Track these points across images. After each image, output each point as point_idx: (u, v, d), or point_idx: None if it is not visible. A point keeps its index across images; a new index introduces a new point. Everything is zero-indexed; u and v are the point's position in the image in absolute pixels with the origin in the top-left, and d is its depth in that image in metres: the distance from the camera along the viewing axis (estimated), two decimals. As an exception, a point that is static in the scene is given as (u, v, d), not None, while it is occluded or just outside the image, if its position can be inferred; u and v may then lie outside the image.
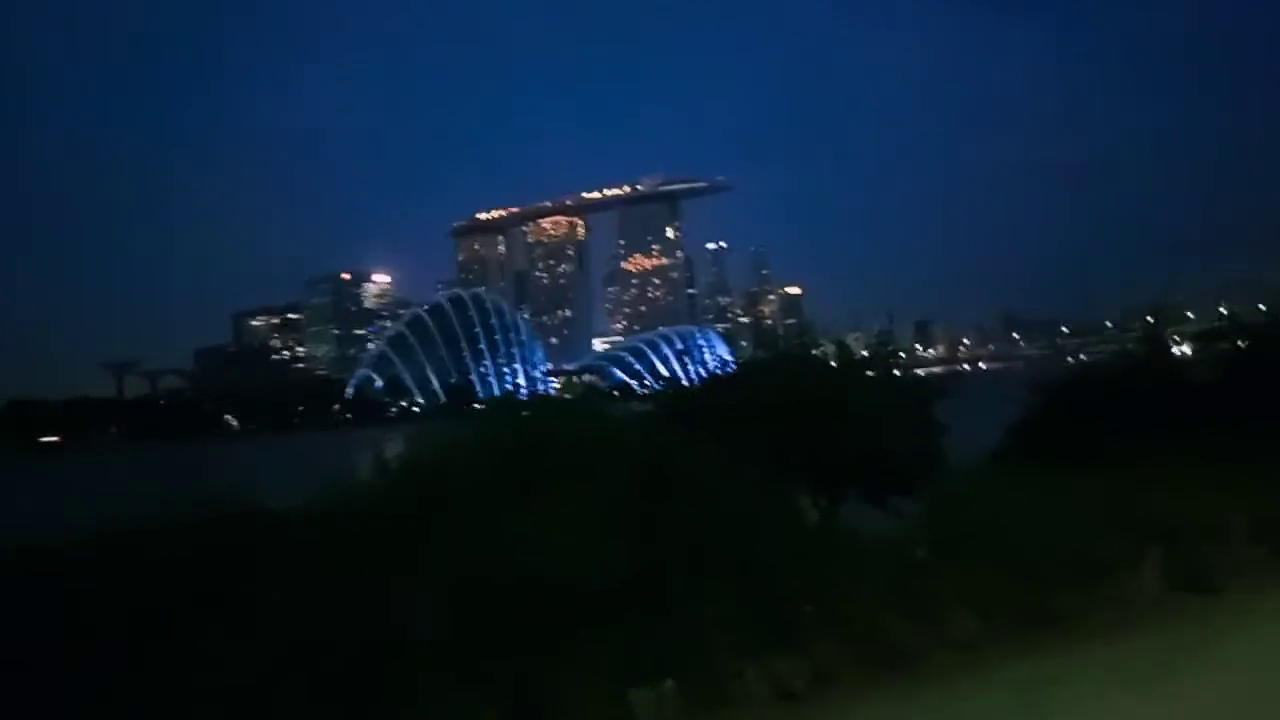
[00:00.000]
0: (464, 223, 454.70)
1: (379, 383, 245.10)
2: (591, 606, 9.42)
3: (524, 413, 12.60)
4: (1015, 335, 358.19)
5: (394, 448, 11.98)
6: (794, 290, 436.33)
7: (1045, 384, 21.71)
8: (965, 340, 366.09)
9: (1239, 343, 22.42)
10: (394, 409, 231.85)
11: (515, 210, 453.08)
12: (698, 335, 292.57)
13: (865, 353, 18.29)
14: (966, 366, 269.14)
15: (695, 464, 11.63)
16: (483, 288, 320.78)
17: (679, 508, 10.74)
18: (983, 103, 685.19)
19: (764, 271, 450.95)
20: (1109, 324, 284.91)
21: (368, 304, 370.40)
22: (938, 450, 15.88)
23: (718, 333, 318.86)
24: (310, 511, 9.60)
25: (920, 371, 20.89)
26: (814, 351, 17.97)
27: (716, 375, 17.91)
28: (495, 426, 11.25)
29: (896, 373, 18.21)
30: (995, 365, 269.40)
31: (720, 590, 10.12)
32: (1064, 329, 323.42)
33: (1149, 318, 21.68)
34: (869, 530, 13.99)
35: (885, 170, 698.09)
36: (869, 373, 17.27)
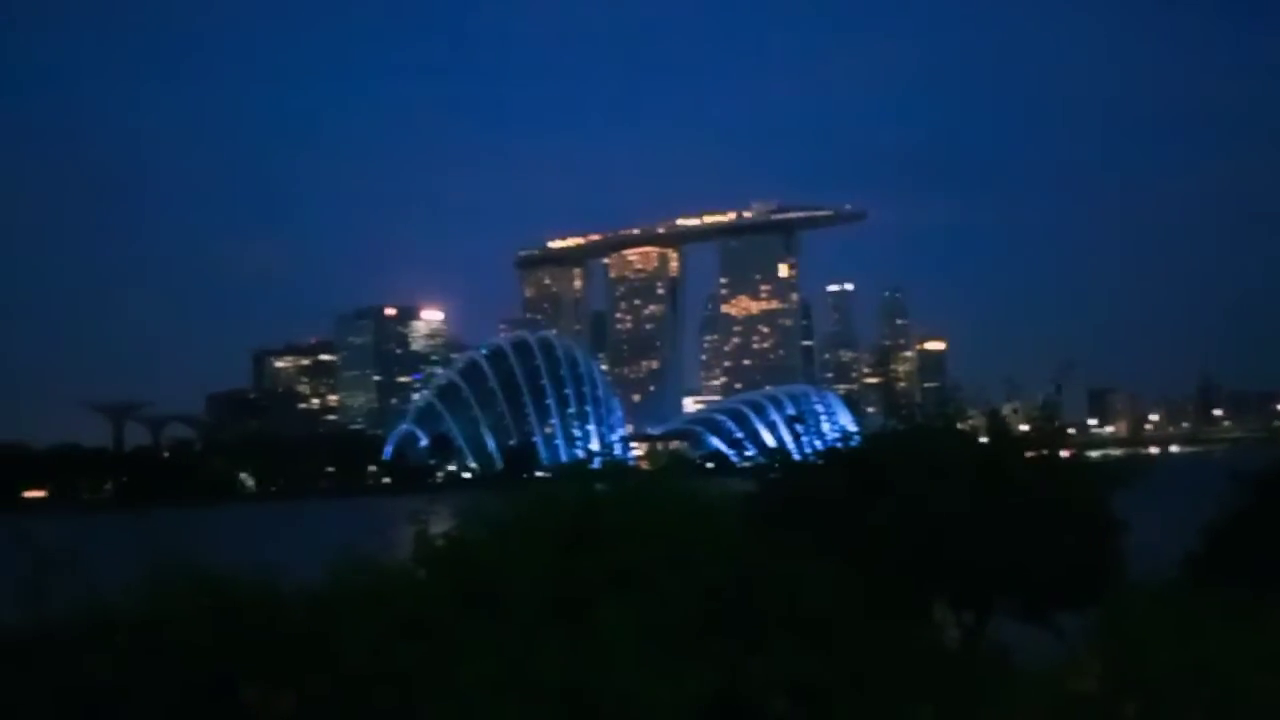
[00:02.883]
0: (533, 251, 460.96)
1: (424, 441, 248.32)
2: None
3: (597, 487, 12.53)
4: (1217, 412, 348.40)
5: (434, 526, 12.00)
6: (936, 345, 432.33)
7: (1256, 477, 20.98)
8: (1152, 416, 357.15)
9: None
10: (440, 473, 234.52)
11: (595, 238, 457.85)
12: (814, 397, 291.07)
13: (1025, 428, 17.89)
14: (1154, 449, 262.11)
15: (807, 576, 11.44)
16: (553, 331, 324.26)
17: (781, 632, 10.56)
18: (1188, 124, 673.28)
19: (899, 322, 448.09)
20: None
21: (415, 345, 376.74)
22: (1115, 556, 15.39)
23: (838, 396, 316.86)
24: (296, 616, 9.64)
25: (1093, 454, 20.38)
26: (961, 425, 17.64)
27: (836, 450, 17.65)
28: (558, 509, 11.19)
29: (1064, 455, 17.79)
30: (1190, 449, 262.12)
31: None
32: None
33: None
34: (1024, 655, 13.55)
35: (1057, 204, 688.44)
36: (1029, 454, 16.87)
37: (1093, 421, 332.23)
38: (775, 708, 10.54)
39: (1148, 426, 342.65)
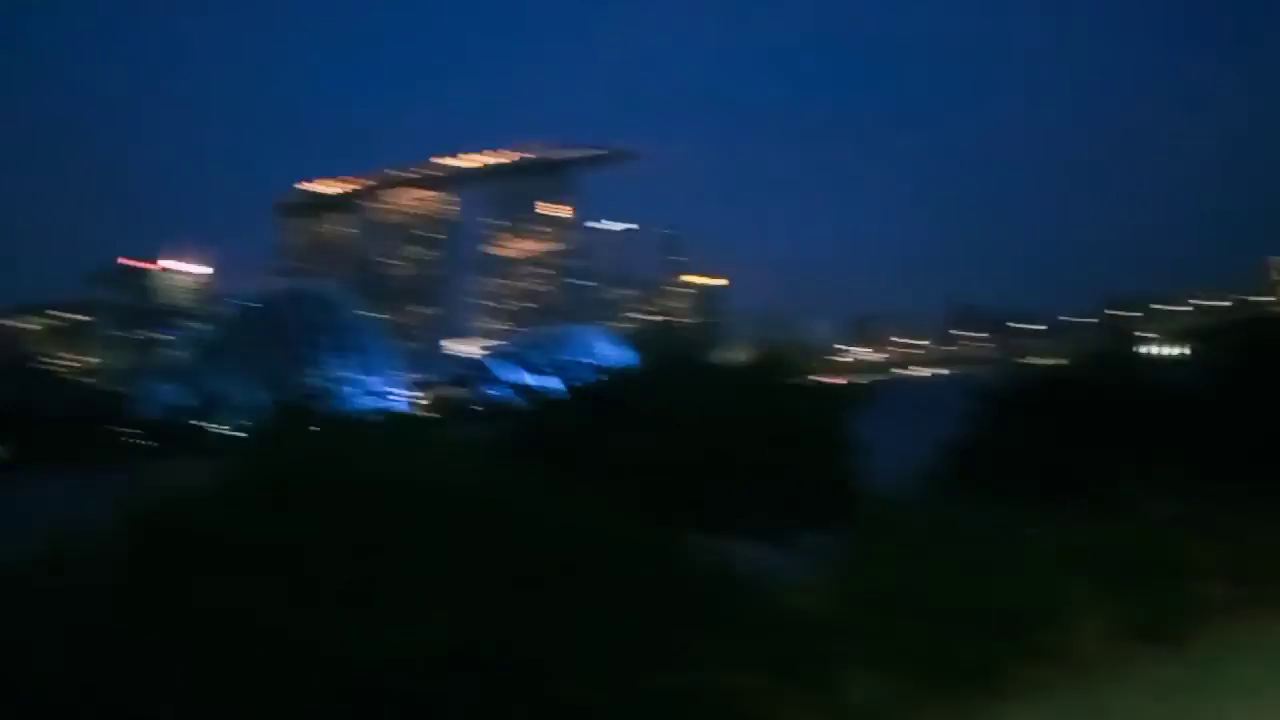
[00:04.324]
0: (299, 197, 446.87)
1: (186, 400, 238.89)
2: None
3: (312, 437, 12.22)
4: (962, 334, 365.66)
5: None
6: (715, 283, 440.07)
7: (993, 393, 22.16)
8: (912, 341, 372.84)
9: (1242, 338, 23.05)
10: (206, 432, 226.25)
11: (365, 181, 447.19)
12: (590, 336, 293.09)
13: (770, 354, 18.36)
14: (914, 370, 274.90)
15: (553, 512, 11.43)
16: (322, 279, 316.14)
17: (528, 573, 10.54)
18: (948, 56, 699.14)
19: (676, 259, 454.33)
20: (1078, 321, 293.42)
21: (175, 300, 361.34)
22: (855, 474, 16.00)
23: (616, 333, 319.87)
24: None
25: (841, 380, 21.22)
26: (717, 354, 18.01)
27: (587, 384, 17.79)
28: (272, 460, 10.83)
29: (819, 379, 18.40)
30: (941, 371, 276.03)
31: (540, 674, 9.88)
32: (1026, 327, 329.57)
33: (1114, 312, 22.34)
34: (761, 573, 13.93)
35: (830, 142, 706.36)
36: (768, 378, 17.36)
37: (855, 348, 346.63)
38: (524, 652, 10.47)
39: (910, 351, 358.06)
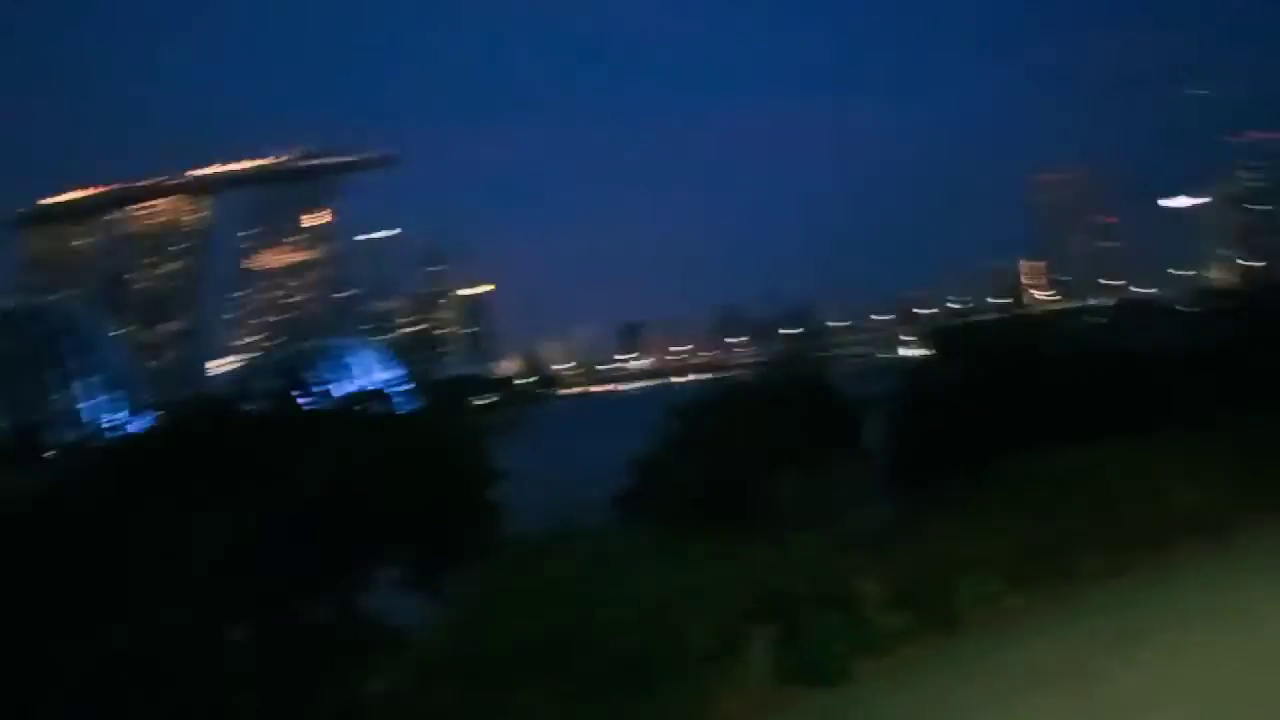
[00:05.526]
0: (32, 207, 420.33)
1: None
2: None
3: None
4: (733, 340, 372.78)
5: None
6: (479, 290, 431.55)
7: (683, 407, 21.21)
8: (676, 348, 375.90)
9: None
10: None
11: (106, 190, 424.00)
12: (348, 349, 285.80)
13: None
14: (677, 378, 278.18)
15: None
16: (58, 294, 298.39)
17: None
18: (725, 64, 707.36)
19: (438, 268, 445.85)
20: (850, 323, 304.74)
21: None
22: (490, 508, 14.52)
23: (376, 345, 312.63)
24: None
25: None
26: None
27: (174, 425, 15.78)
28: None
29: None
30: (707, 376, 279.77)
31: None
32: (786, 331, 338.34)
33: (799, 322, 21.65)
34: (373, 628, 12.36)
35: (604, 132, 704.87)
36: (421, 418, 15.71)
37: (624, 356, 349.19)
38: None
39: (671, 358, 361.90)
